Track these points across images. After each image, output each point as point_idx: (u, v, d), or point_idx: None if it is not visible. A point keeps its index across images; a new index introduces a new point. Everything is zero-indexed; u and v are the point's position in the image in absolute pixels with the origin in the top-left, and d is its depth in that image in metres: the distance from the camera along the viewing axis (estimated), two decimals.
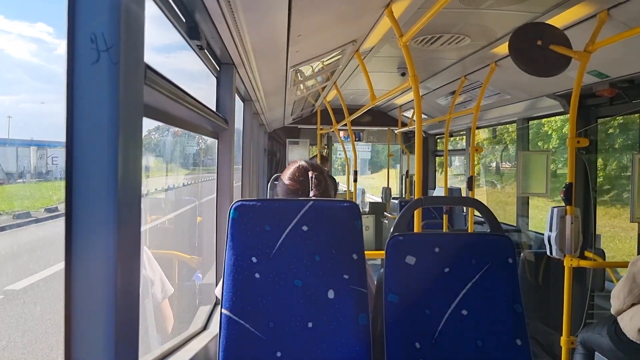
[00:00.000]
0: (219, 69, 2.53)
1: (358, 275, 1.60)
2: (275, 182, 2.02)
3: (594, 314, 3.82)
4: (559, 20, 2.71)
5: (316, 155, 7.71)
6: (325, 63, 3.96)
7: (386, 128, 8.22)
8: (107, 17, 0.80)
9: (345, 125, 5.68)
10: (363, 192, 9.74)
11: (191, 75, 2.60)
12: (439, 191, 7.52)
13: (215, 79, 2.56)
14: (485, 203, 1.84)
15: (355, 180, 6.08)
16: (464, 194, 5.89)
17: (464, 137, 6.76)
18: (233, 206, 1.59)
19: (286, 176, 1.96)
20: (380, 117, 8.07)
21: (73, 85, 0.80)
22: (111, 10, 0.81)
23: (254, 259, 1.57)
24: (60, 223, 0.82)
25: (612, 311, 2.78)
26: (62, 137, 0.81)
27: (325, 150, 8.70)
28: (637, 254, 3.65)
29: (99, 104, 0.80)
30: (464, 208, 5.95)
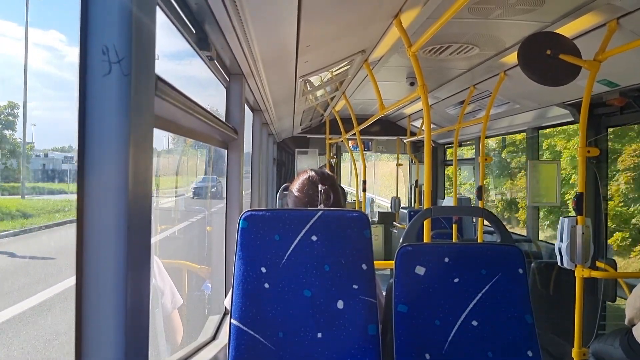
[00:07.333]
0: (228, 79, 2.54)
1: (367, 285, 1.59)
2: (285, 192, 2.00)
3: (606, 325, 3.77)
4: (568, 30, 2.71)
5: (325, 165, 7.72)
6: (334, 73, 3.98)
7: (395, 137, 8.22)
8: (118, 29, 0.81)
9: (354, 134, 5.68)
10: (372, 202, 9.71)
11: (201, 83, 2.61)
12: (448, 201, 7.49)
13: (224, 89, 2.57)
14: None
15: (364, 190, 6.07)
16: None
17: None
18: (242, 216, 1.59)
19: (295, 187, 1.94)
20: (389, 126, 8.06)
21: (85, 96, 0.81)
22: (122, 22, 0.81)
23: (263, 269, 1.57)
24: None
25: (625, 321, 2.75)
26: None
27: (334, 160, 8.70)
28: None
29: (110, 116, 0.81)
30: (474, 218, 5.92)
